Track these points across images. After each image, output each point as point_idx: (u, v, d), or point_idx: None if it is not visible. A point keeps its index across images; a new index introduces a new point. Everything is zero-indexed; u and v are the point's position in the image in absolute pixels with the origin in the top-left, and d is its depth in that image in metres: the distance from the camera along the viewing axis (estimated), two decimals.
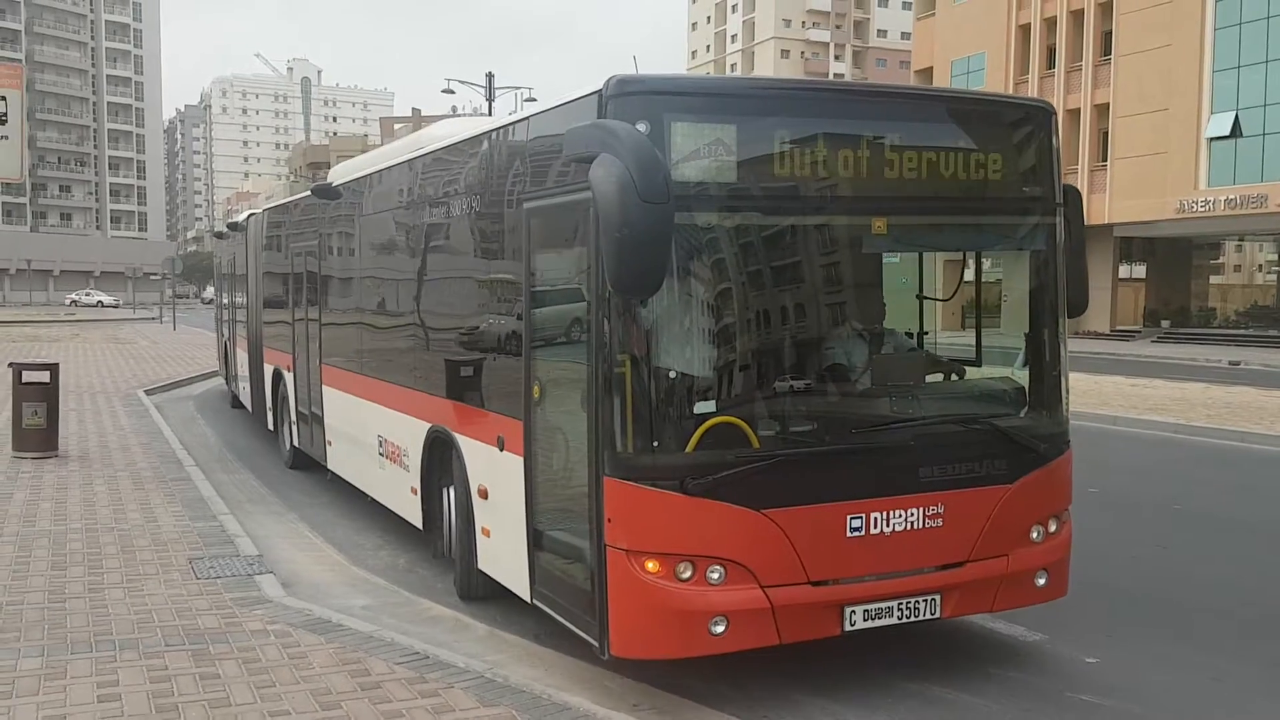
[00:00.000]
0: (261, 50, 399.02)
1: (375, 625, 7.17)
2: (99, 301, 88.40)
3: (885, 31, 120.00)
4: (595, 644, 5.96)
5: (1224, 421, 17.54)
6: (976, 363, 7.20)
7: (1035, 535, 6.50)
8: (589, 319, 5.87)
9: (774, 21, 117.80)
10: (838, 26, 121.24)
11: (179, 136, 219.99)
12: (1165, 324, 46.12)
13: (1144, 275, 50.72)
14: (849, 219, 6.22)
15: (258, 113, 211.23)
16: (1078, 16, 48.16)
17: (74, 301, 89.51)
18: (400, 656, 6.45)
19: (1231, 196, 40.12)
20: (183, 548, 8.95)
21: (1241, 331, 42.78)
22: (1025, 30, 50.24)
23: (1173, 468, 13.70)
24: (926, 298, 7.48)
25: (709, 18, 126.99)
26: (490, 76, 41.49)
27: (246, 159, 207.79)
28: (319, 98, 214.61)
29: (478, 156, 7.82)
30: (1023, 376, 6.82)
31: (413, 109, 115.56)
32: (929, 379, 7.05)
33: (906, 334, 7.27)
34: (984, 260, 7.27)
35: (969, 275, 7.23)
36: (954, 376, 7.21)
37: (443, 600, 8.17)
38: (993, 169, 6.36)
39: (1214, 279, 49.82)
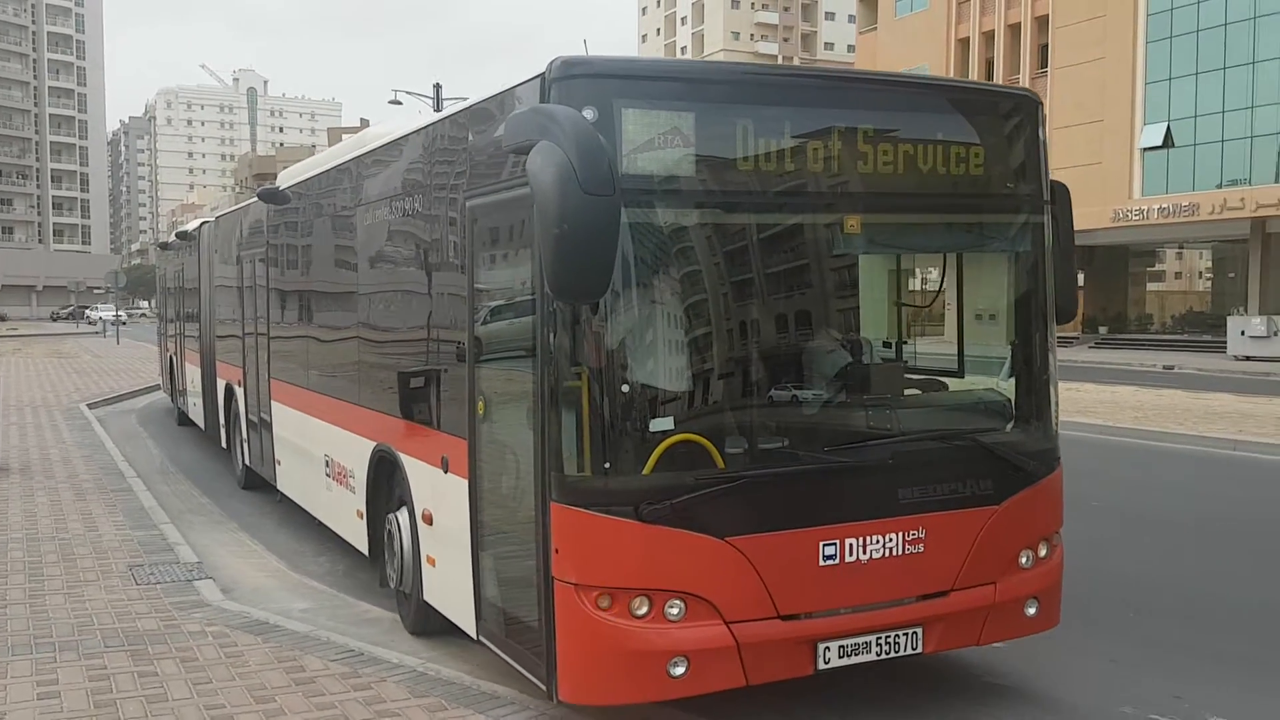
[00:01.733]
0: (207, 61, 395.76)
1: (312, 626, 7.24)
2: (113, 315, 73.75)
3: (832, 45, 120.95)
4: (543, 687, 5.37)
5: (1148, 423, 17.71)
6: (959, 373, 6.62)
7: (1024, 561, 5.92)
8: (535, 327, 5.26)
9: (723, 34, 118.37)
10: (785, 39, 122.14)
11: (123, 149, 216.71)
12: (1103, 330, 47.02)
13: (1082, 283, 51.79)
14: (819, 217, 5.64)
15: (203, 124, 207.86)
16: (1015, 30, 49.06)
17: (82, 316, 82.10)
18: (335, 654, 6.54)
19: (1164, 205, 40.37)
20: (123, 555, 8.95)
21: (1177, 337, 43.63)
22: (964, 44, 51.03)
23: (1093, 466, 13.64)
24: (904, 304, 6.90)
25: (659, 30, 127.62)
26: (438, 88, 41.43)
27: (192, 170, 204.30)
28: (265, 108, 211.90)
29: (418, 153, 7.19)
30: (1009, 388, 6.21)
31: (360, 119, 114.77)
32: (908, 392, 6.50)
33: (883, 343, 6.70)
34: (967, 263, 6.65)
35: (950, 279, 6.62)
36: (935, 389, 6.65)
37: (380, 603, 8.07)
38: (976, 163, 5.79)
39: (1152, 286, 50.90)
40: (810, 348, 5.83)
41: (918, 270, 7.16)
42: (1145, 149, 42.11)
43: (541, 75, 5.16)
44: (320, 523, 10.13)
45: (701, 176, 5.22)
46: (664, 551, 5.09)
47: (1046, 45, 46.77)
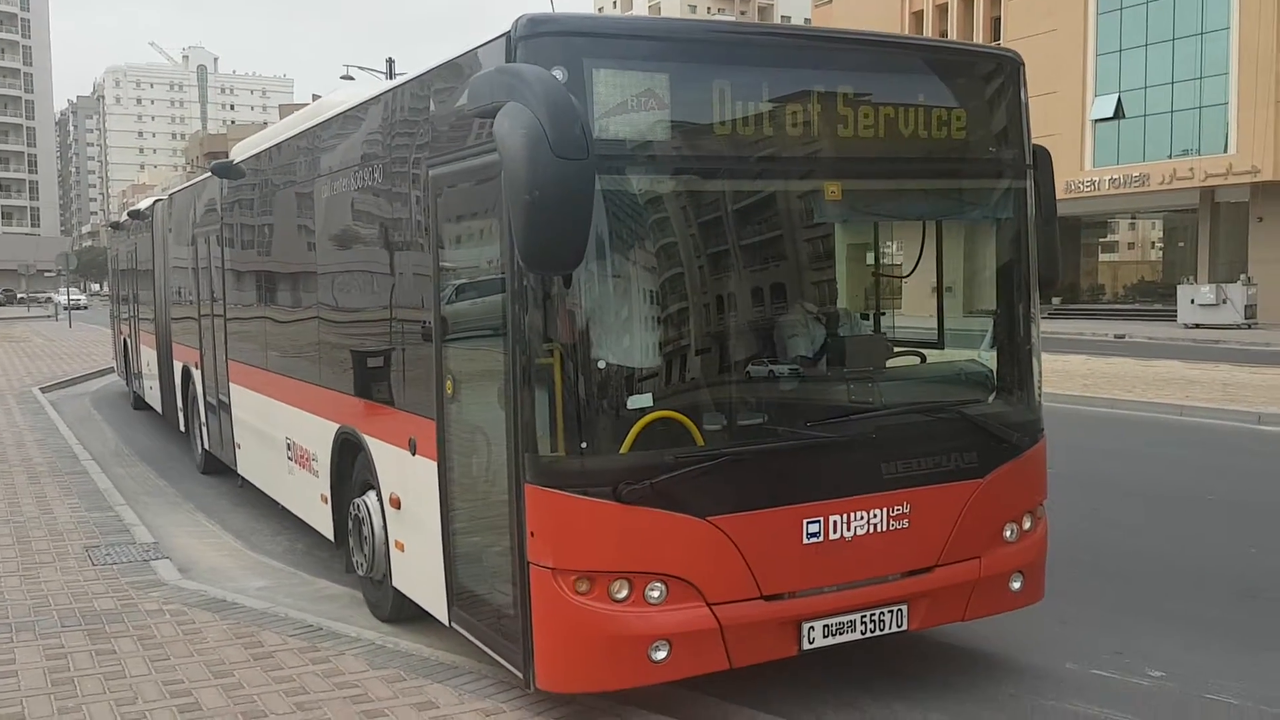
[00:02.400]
0: (156, 39, 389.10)
1: (270, 603, 7.22)
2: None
3: (789, 17, 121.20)
4: (519, 675, 5.17)
5: (1097, 390, 17.90)
6: (939, 345, 6.44)
7: (1009, 534, 5.80)
8: (504, 301, 5.03)
9: (680, 6, 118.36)
10: (742, 13, 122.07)
11: (71, 129, 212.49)
12: (1056, 301, 47.60)
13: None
14: (799, 184, 5.44)
15: (153, 102, 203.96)
16: (968, 3, 49.37)
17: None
18: (294, 629, 6.55)
19: (1115, 176, 40.65)
20: (79, 537, 8.89)
21: (1129, 306, 44.14)
22: (919, 16, 51.10)
23: None
24: (883, 274, 6.69)
25: (615, 2, 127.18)
26: (391, 62, 41.15)
27: (142, 150, 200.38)
28: (216, 86, 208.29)
29: (377, 121, 6.86)
30: (991, 359, 6.07)
31: (312, 96, 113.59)
32: (889, 364, 6.26)
33: (861, 315, 6.50)
34: (948, 231, 6.44)
35: (930, 247, 6.37)
36: (916, 361, 6.47)
37: (339, 580, 8.00)
38: (959, 126, 5.61)
39: (1105, 256, 51.52)
40: (791, 320, 5.63)
41: (896, 239, 6.91)
42: (1096, 120, 42.52)
43: (506, 34, 4.88)
44: (281, 505, 9.94)
45: (677, 141, 4.99)
46: (643, 533, 4.91)
47: (999, 18, 47.06)
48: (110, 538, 8.92)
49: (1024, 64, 5.96)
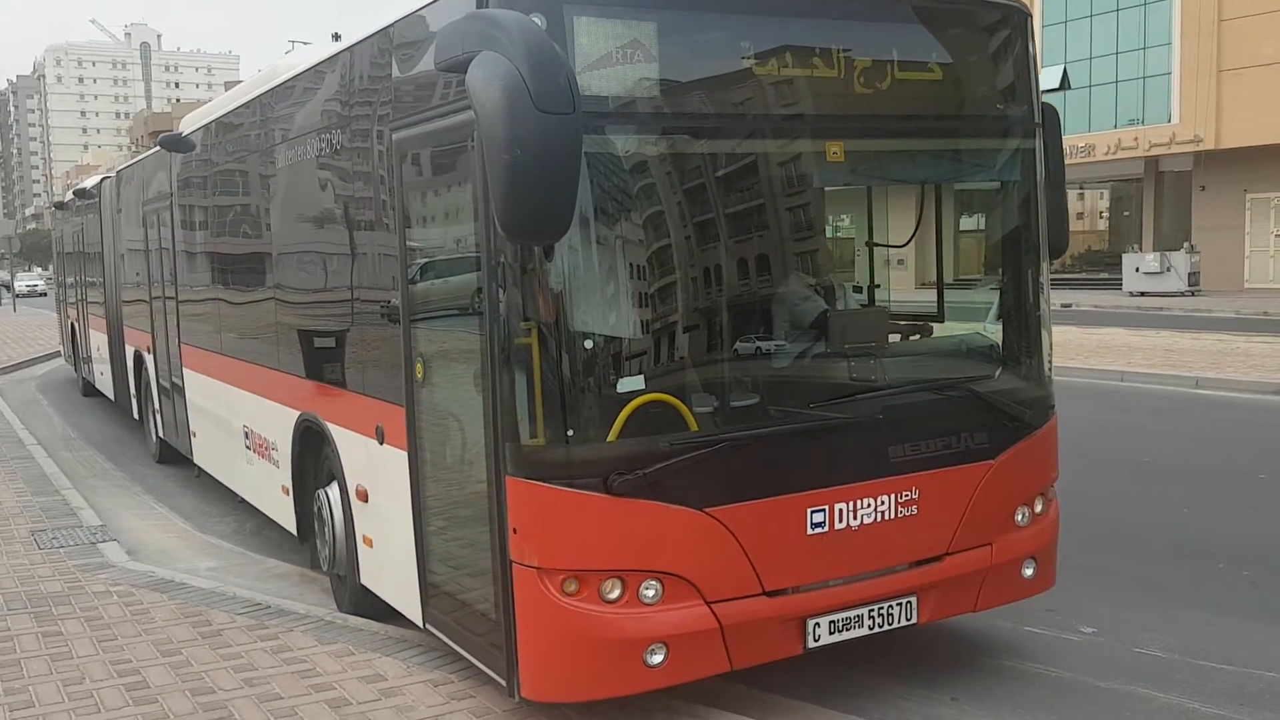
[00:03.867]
0: (97, 16, 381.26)
1: (219, 583, 7.14)
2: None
3: None
4: (503, 682, 4.75)
5: None
6: (939, 318, 6.08)
7: (1020, 518, 5.41)
8: (479, 276, 4.58)
9: None
10: None
11: (12, 109, 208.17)
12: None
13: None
14: (795, 144, 4.97)
15: (95, 81, 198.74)
16: None
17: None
18: (242, 608, 6.50)
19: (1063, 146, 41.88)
20: (24, 521, 8.79)
21: (1076, 275, 44.66)
22: None
23: None
24: (878, 244, 6.28)
25: None
26: (337, 37, 40.79)
27: (85, 130, 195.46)
28: (160, 63, 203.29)
29: (335, 82, 6.31)
30: (998, 332, 5.66)
31: (258, 72, 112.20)
32: (892, 339, 5.88)
33: (854, 288, 6.09)
34: (953, 195, 6.10)
35: (932, 213, 5.98)
36: (918, 335, 6.06)
37: (288, 558, 8.06)
38: (966, 81, 5.22)
39: None
40: (788, 294, 5.21)
41: (894, 205, 6.52)
42: (1043, 91, 42.81)
43: None
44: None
45: (666, 97, 4.53)
46: (637, 527, 4.48)
47: None
48: (57, 521, 8.81)
49: (1031, 15, 5.51)
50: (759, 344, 5.08)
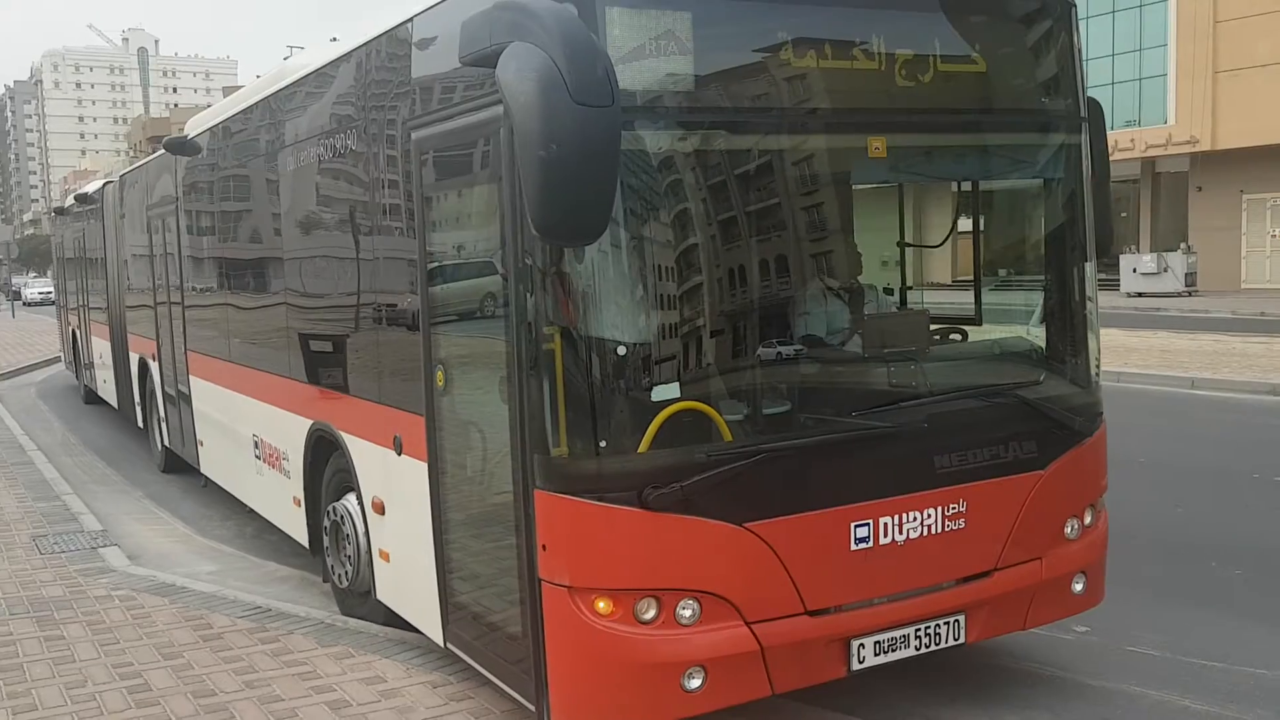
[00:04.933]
0: (95, 21, 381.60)
1: (219, 586, 7.17)
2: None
3: None
4: (531, 707, 4.52)
5: None
6: (976, 321, 5.85)
7: (1070, 531, 5.15)
8: (506, 280, 4.33)
9: None
10: None
11: (9, 114, 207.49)
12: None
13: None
14: (839, 139, 4.75)
15: (93, 86, 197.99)
16: None
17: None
18: (242, 611, 6.52)
19: None
20: (25, 527, 8.79)
21: None
22: None
23: None
24: (911, 245, 6.08)
25: None
26: (335, 42, 40.94)
27: (83, 135, 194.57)
28: (157, 68, 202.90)
29: (351, 80, 6.07)
30: (1042, 335, 5.43)
31: (257, 76, 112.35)
32: (934, 344, 5.67)
33: (885, 290, 5.85)
34: (998, 192, 5.90)
35: (973, 211, 5.81)
36: (958, 338, 5.84)
37: (288, 561, 8.08)
38: (1011, 75, 4.99)
39: None
40: (826, 296, 5.01)
41: (932, 204, 6.28)
42: None
43: None
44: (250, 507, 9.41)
45: (703, 91, 4.29)
46: (673, 543, 4.23)
47: None
48: (58, 526, 8.81)
49: (1075, 6, 5.29)
50: (796, 349, 4.82)
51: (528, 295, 4.19)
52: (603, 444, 4.17)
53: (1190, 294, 34.05)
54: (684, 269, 4.39)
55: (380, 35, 5.62)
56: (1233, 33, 34.56)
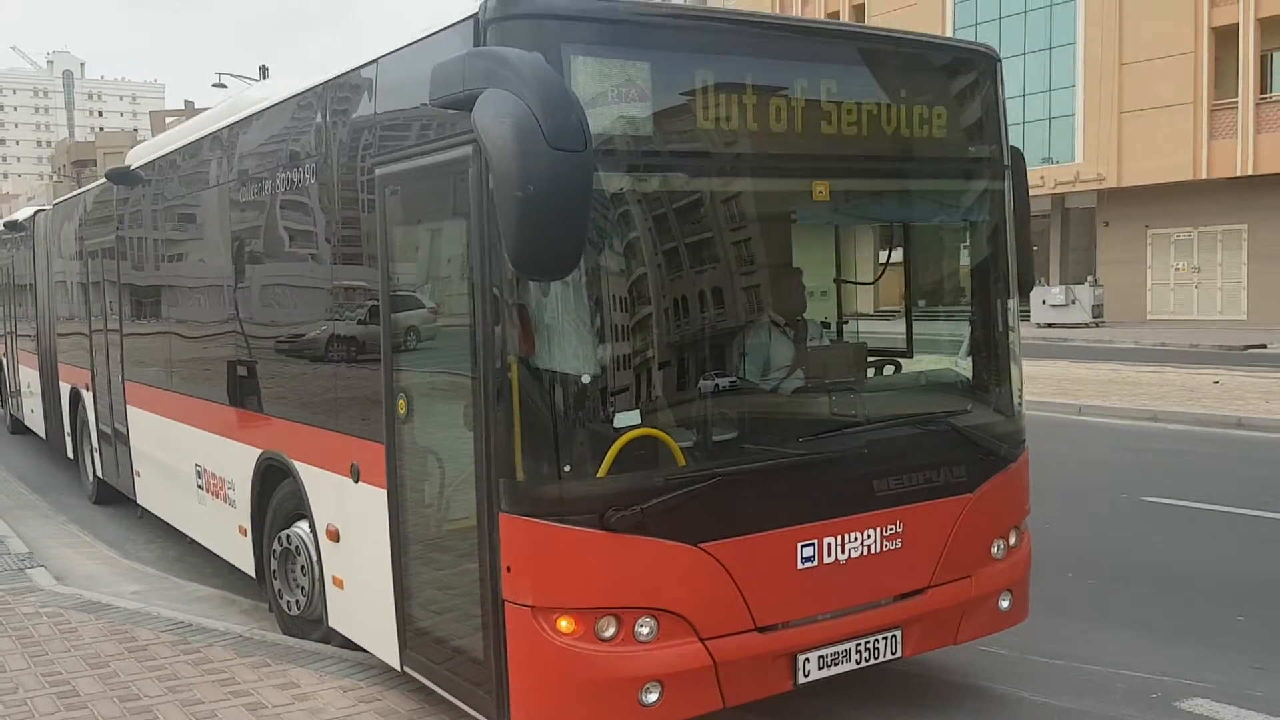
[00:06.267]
0: (18, 43, 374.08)
1: (144, 604, 7.43)
2: None
3: None
4: None
5: None
6: (908, 354, 6.19)
7: (997, 551, 5.47)
8: (472, 311, 4.50)
9: None
10: None
11: None
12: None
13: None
14: (785, 183, 5.05)
15: (15, 109, 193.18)
16: (835, 18, 51.22)
17: None
18: (165, 626, 6.77)
19: None
20: None
21: None
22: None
23: None
24: (847, 281, 6.39)
25: None
26: (264, 69, 40.91)
27: (5, 159, 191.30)
28: (83, 92, 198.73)
29: (311, 116, 6.19)
30: (969, 367, 5.81)
31: (185, 101, 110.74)
32: (870, 374, 5.98)
33: (822, 323, 6.11)
34: (924, 233, 6.25)
35: (902, 251, 6.12)
36: (892, 370, 6.15)
37: (210, 583, 8.41)
38: (939, 124, 5.28)
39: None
40: (772, 329, 5.28)
41: (862, 242, 6.68)
42: None
43: (474, 16, 4.36)
44: (153, 515, 9.96)
45: (660, 135, 4.54)
46: (632, 564, 4.43)
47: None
48: None
49: (1001, 60, 5.68)
50: (746, 380, 5.10)
51: (494, 327, 4.38)
52: (565, 469, 4.35)
53: (1097, 325, 35.32)
54: (642, 303, 4.63)
55: (345, 74, 5.79)
56: (1137, 75, 36.12)
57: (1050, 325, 35.63)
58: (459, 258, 4.70)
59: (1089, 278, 37.32)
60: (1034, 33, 40.80)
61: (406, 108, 5.19)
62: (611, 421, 4.43)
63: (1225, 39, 34.34)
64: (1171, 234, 37.13)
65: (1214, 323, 34.38)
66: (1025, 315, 36.95)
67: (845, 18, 49.40)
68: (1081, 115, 38.84)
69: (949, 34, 43.36)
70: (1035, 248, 39.60)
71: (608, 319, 4.52)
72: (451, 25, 4.58)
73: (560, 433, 4.36)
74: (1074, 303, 35.93)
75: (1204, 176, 34.43)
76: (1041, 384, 18.98)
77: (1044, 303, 36.68)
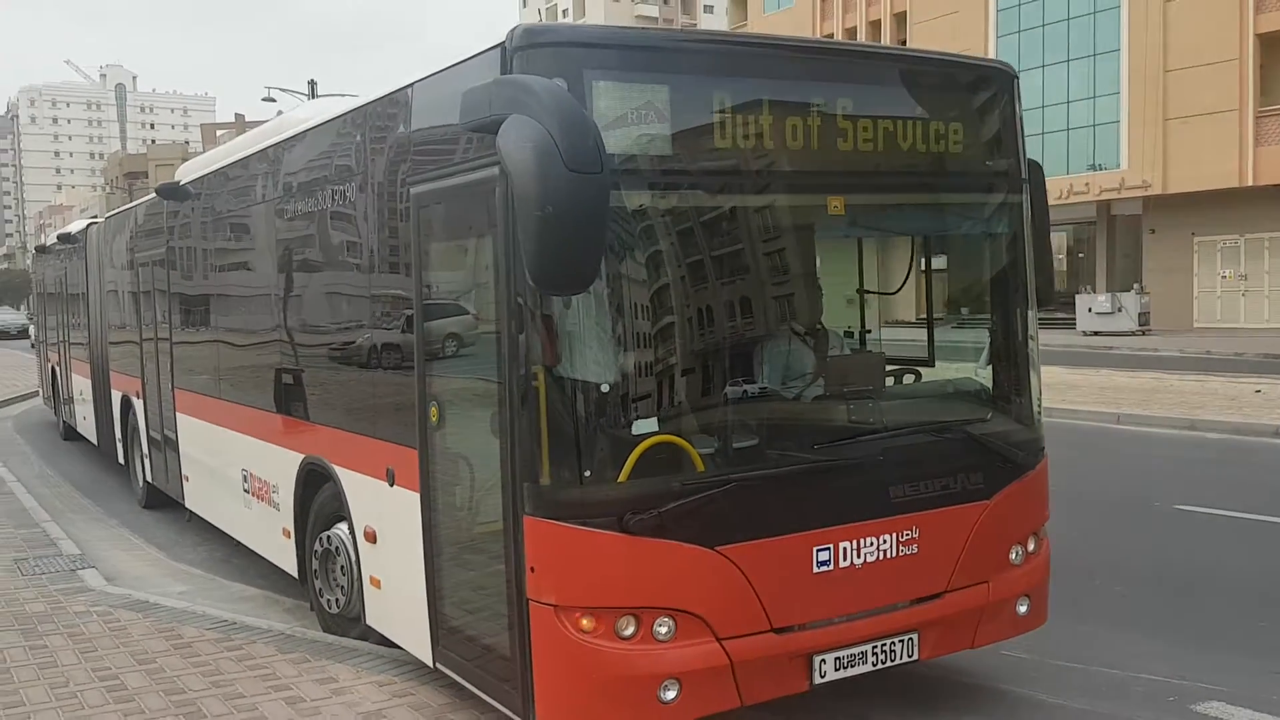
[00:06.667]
0: (72, 57, 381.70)
1: (190, 603, 7.69)
2: None
3: None
4: (517, 719, 4.87)
5: None
6: (929, 363, 6.28)
7: (1015, 557, 5.58)
8: (498, 323, 4.71)
9: (604, 16, 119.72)
10: (668, 21, 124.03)
11: None
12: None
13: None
14: (802, 198, 5.22)
15: (70, 122, 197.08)
16: (876, 26, 50.53)
17: None
18: (210, 624, 7.04)
19: None
20: (7, 551, 9.22)
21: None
22: (830, 39, 53.13)
23: None
24: (869, 291, 6.50)
25: (540, 16, 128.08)
26: (313, 84, 41.61)
27: (59, 170, 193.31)
28: (135, 104, 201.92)
29: (352, 137, 6.47)
30: (989, 376, 5.90)
31: (235, 114, 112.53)
32: (889, 382, 6.11)
33: (846, 333, 6.29)
34: (944, 245, 6.35)
35: (924, 262, 6.25)
36: (911, 379, 6.25)
37: (254, 583, 8.71)
38: (956, 139, 5.42)
39: None
40: (791, 338, 5.43)
41: (885, 254, 6.76)
42: None
43: (501, 45, 4.58)
44: (198, 516, 10.32)
45: (679, 155, 4.72)
46: (651, 565, 4.61)
47: (905, 40, 48.66)
48: (38, 551, 9.27)
49: (1018, 76, 5.84)
50: (763, 388, 5.25)
51: (519, 337, 4.58)
52: (587, 474, 4.55)
53: (1143, 333, 34.96)
54: (661, 314, 4.82)
55: (383, 97, 6.06)
56: (1182, 81, 35.77)
57: (1096, 333, 35.33)
58: (486, 272, 4.91)
59: (1135, 285, 37.00)
60: (1077, 39, 40.56)
61: (439, 130, 5.44)
62: (630, 428, 4.62)
63: (1271, 45, 33.95)
64: (1218, 241, 36.71)
65: (1261, 331, 33.93)
66: (1070, 323, 36.79)
67: (886, 25, 49.49)
68: (1126, 122, 38.52)
69: (992, 41, 43.32)
70: (1081, 255, 39.49)
71: (628, 330, 4.73)
72: (481, 53, 4.81)
73: (581, 439, 4.55)
74: (1120, 310, 35.60)
75: (1250, 183, 33.98)
76: (1082, 392, 18.96)
77: (1090, 311, 36.40)
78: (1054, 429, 15.02)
